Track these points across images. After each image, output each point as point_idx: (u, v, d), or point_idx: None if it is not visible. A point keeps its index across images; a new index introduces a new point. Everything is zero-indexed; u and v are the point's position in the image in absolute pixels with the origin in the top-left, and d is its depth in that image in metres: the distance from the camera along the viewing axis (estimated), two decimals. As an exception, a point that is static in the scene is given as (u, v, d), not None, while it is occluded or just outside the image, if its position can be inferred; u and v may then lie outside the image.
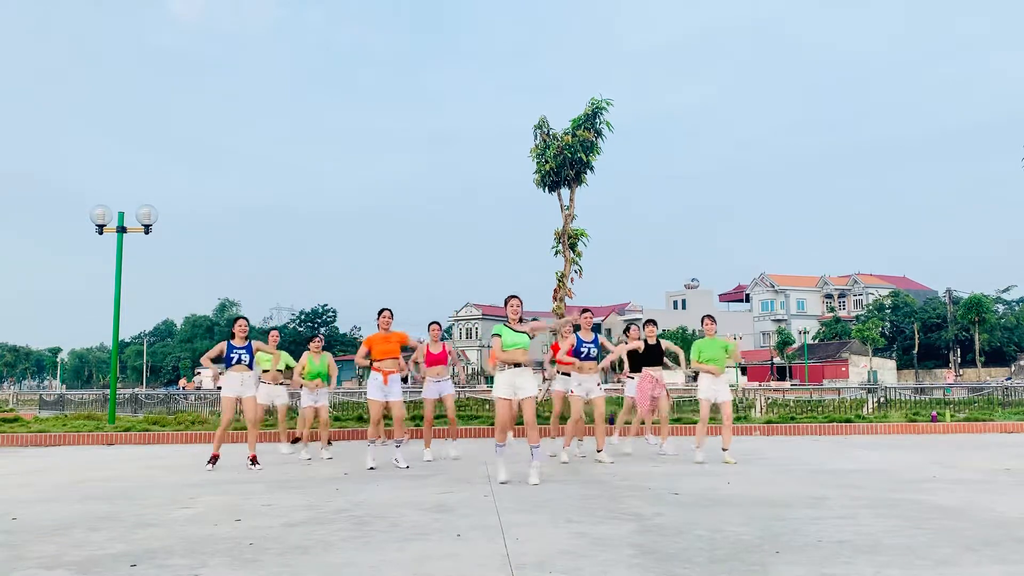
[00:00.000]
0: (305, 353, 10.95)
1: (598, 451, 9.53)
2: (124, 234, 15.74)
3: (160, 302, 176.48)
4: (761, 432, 14.12)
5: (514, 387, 7.75)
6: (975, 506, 6.12)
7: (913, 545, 4.71)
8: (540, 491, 7.10)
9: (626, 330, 11.01)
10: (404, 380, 10.13)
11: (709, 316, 9.86)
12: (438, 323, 10.67)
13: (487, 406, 17.52)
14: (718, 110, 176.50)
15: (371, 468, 8.98)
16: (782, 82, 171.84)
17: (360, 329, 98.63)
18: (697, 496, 6.72)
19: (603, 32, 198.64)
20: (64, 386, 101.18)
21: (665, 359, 10.76)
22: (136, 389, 59.77)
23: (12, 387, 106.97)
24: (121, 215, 15.80)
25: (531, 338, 7.93)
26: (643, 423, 11.58)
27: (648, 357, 10.56)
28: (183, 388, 65.57)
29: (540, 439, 7.90)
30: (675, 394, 20.55)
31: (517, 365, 7.81)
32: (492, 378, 8.10)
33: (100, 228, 15.63)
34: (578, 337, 9.47)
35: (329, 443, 10.88)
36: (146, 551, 4.72)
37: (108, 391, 19.68)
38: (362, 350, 9.44)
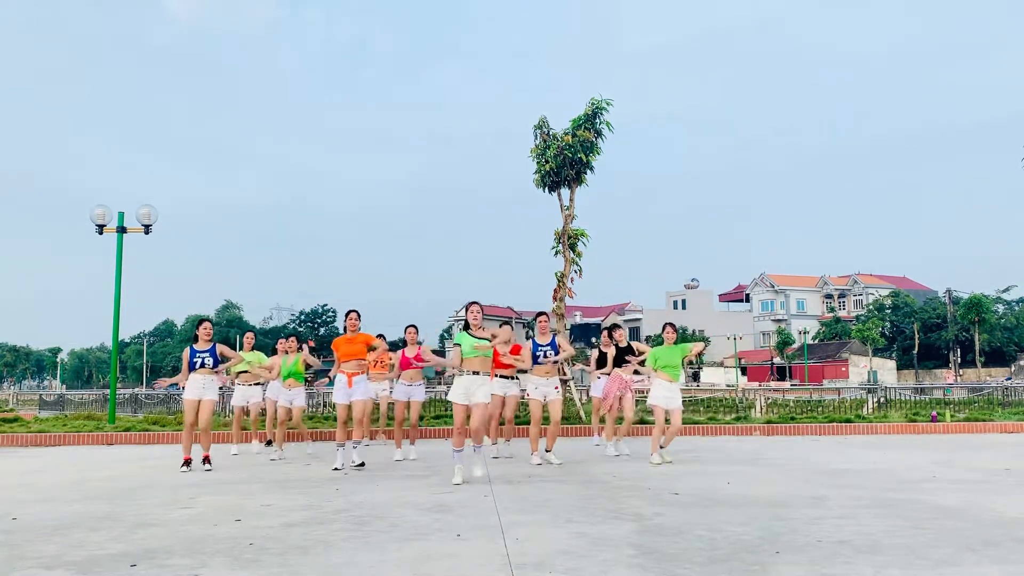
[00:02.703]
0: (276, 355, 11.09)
1: (547, 451, 9.53)
2: (124, 234, 15.74)
3: (160, 302, 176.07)
4: (761, 432, 14.12)
5: (468, 393, 7.85)
6: (975, 506, 6.13)
7: (913, 545, 4.72)
8: (540, 491, 7.11)
9: (609, 333, 11.02)
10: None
11: (670, 324, 9.96)
12: (415, 327, 10.67)
13: None
14: (718, 110, 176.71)
15: (335, 469, 8.92)
16: (782, 82, 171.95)
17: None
18: (697, 496, 6.72)
19: (604, 32, 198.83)
20: (64, 386, 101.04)
21: (636, 364, 10.76)
22: (136, 389, 59.71)
23: (12, 387, 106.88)
24: (121, 215, 15.80)
25: (491, 342, 8.04)
26: (602, 422, 11.47)
27: (619, 360, 10.70)
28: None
29: (483, 442, 8.19)
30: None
31: (476, 372, 7.89)
32: None
33: (100, 228, 15.64)
34: (534, 341, 9.55)
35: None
36: (146, 551, 4.72)
37: (108, 391, 19.67)
38: (335, 355, 9.36)
